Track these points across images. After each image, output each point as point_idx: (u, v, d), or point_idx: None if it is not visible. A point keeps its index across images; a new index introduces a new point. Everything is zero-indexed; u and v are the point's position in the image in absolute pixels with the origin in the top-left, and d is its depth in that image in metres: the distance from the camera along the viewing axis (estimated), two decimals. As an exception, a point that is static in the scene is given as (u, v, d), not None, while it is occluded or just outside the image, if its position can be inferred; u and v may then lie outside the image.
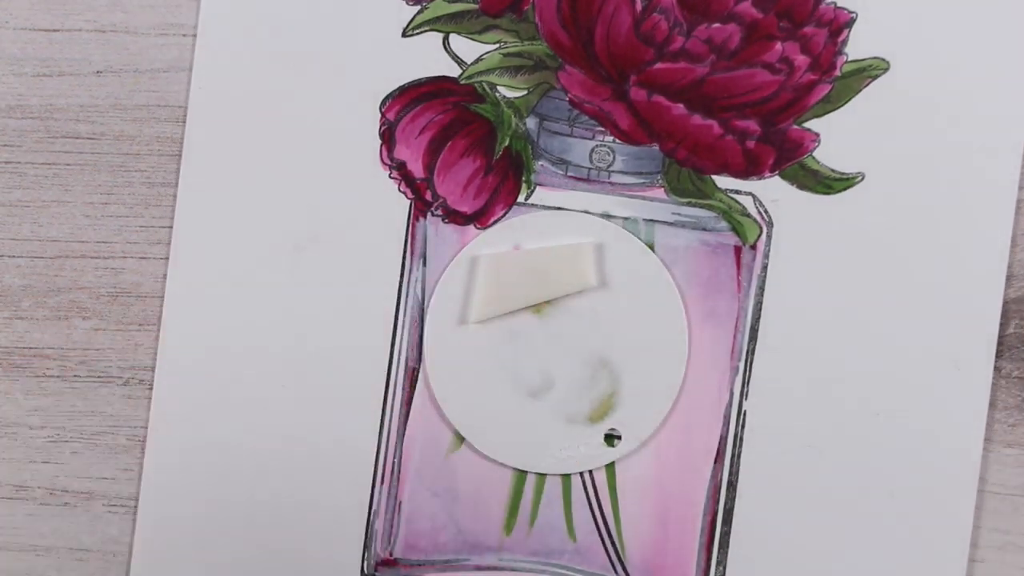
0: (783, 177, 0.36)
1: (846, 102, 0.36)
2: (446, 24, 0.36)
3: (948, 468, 0.36)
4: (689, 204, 0.37)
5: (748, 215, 0.36)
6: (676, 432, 0.37)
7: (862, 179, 0.36)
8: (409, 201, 0.37)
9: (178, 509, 0.37)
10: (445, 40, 0.36)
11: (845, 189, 0.36)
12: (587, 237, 0.37)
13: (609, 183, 0.37)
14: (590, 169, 0.37)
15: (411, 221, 0.37)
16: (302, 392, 0.37)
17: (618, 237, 0.37)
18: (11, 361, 0.37)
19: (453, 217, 0.37)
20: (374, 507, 0.37)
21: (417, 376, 0.37)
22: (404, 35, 0.36)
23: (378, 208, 0.37)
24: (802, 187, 0.36)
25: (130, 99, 0.36)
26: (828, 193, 0.36)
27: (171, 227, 0.37)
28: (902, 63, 0.36)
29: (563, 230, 0.37)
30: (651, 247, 0.37)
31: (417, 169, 0.37)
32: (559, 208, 0.37)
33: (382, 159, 0.37)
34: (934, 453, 0.36)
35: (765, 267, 0.37)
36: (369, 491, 0.37)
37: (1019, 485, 0.37)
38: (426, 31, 0.36)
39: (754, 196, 0.36)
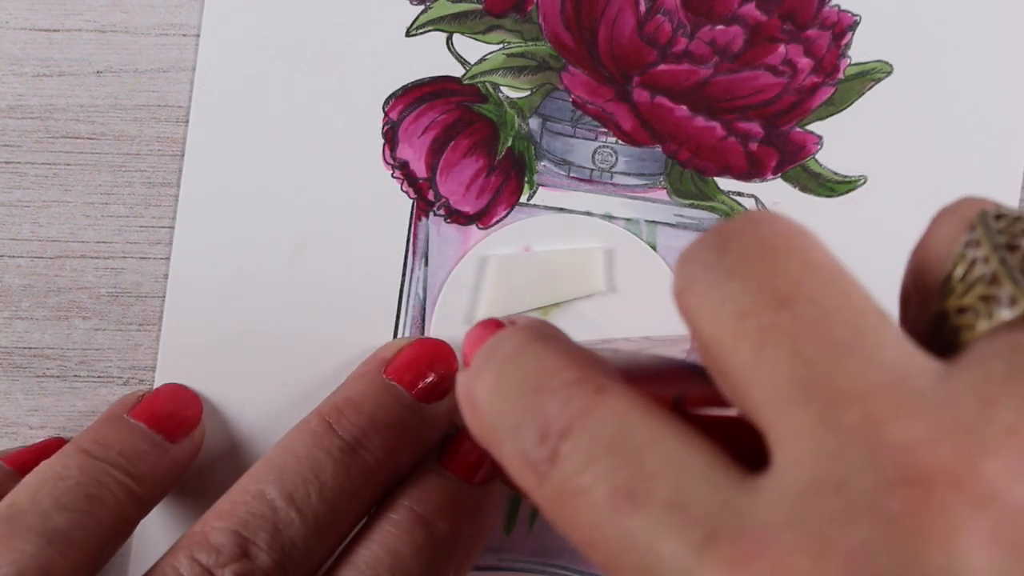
0: (785, 179, 0.36)
1: (849, 105, 0.36)
2: (449, 24, 0.36)
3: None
4: (691, 206, 0.37)
5: (750, 217, 0.36)
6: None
7: (864, 182, 0.36)
8: (411, 201, 0.37)
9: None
10: (448, 40, 0.36)
11: (847, 192, 0.36)
12: (592, 238, 0.37)
13: (611, 184, 0.37)
14: (592, 170, 0.37)
15: (413, 221, 0.37)
16: (304, 392, 0.37)
17: (623, 239, 0.37)
18: (11, 361, 0.37)
19: (455, 217, 0.37)
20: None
21: (417, 375, 0.37)
22: (407, 35, 0.36)
23: (380, 208, 0.36)
24: (804, 189, 0.36)
25: (130, 99, 0.36)
26: (830, 196, 0.36)
27: (171, 227, 0.36)
28: (905, 66, 0.36)
29: (566, 231, 0.37)
30: (653, 248, 0.37)
31: (419, 169, 0.36)
32: (561, 209, 0.37)
33: (384, 159, 0.36)
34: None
35: (765, 267, 0.37)
36: (369, 490, 0.37)
37: (1018, 486, 0.37)
38: (429, 31, 0.36)
39: (756, 198, 0.36)
